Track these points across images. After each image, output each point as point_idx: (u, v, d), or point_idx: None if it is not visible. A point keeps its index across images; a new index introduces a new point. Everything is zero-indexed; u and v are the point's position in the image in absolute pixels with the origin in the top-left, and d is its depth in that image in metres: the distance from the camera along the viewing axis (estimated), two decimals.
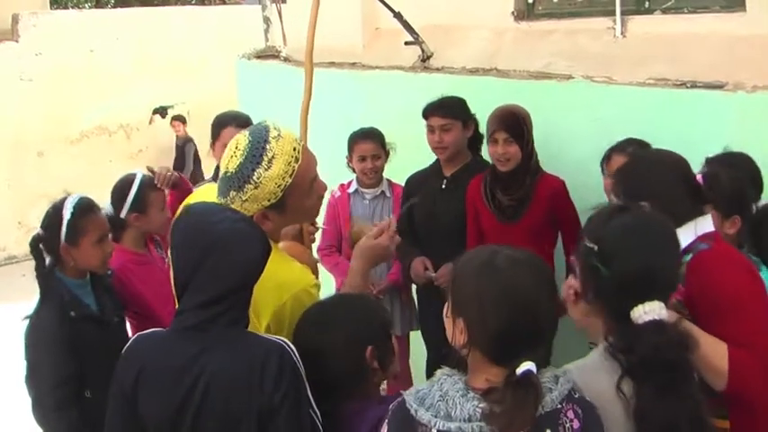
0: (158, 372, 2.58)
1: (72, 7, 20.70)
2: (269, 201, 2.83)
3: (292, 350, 2.56)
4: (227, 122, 4.92)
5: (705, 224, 2.86)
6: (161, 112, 14.64)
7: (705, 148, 3.91)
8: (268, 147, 2.82)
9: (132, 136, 14.49)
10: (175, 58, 14.43)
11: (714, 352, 2.57)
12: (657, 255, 2.47)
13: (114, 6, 21.01)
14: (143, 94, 14.24)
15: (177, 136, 13.95)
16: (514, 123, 4.59)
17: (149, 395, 2.59)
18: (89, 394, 3.75)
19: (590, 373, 2.43)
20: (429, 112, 5.03)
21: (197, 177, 13.08)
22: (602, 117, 4.76)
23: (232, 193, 2.82)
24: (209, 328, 2.55)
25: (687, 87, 4.50)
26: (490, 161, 4.81)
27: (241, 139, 2.87)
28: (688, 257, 2.73)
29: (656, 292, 2.42)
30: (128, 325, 4.35)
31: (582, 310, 2.64)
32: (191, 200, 3.35)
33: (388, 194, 5.61)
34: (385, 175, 5.62)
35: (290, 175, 2.83)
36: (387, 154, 5.51)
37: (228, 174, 2.83)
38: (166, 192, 4.69)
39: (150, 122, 14.64)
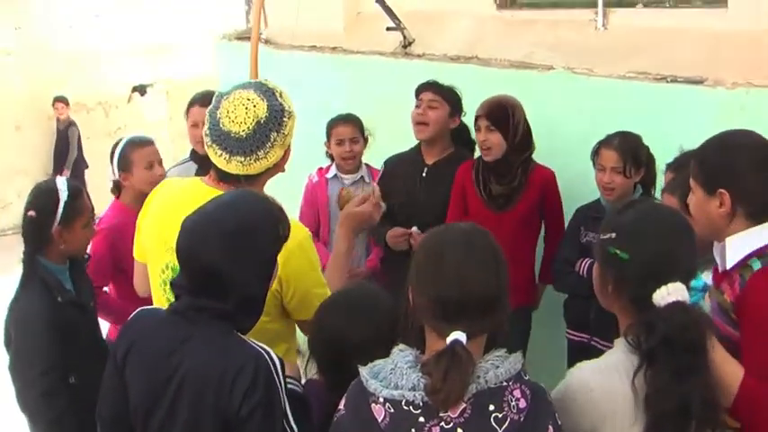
0: (144, 352, 2.56)
1: None
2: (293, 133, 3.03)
3: (273, 361, 2.51)
4: (195, 101, 4.96)
5: None
6: (140, 90, 14.52)
7: (683, 143, 3.93)
8: (266, 84, 3.03)
9: (111, 113, 14.39)
10: (156, 36, 14.30)
11: (729, 375, 2.54)
12: (675, 239, 2.48)
13: None
14: (122, 72, 14.13)
15: (59, 119, 13.34)
16: (497, 112, 4.57)
17: (133, 374, 2.58)
18: (74, 380, 3.71)
19: (604, 372, 2.44)
20: (421, 87, 5.02)
21: (81, 164, 12.89)
22: (582, 108, 4.76)
23: (273, 135, 2.95)
24: (196, 319, 2.52)
25: (667, 82, 4.49)
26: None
27: (247, 95, 2.98)
28: (757, 265, 2.67)
29: (677, 274, 2.41)
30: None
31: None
32: (163, 190, 3.32)
33: (367, 180, 5.54)
34: (364, 160, 5.58)
35: None
36: (365, 140, 5.48)
37: (262, 121, 2.93)
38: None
39: (129, 100, 14.54)
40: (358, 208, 3.43)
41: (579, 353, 4.41)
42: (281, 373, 2.52)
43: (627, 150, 4.23)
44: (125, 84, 14.39)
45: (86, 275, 4.03)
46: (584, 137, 4.51)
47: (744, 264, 2.70)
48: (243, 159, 2.94)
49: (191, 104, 4.96)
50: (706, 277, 3.05)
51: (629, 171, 4.23)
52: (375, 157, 5.55)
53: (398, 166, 5.24)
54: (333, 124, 5.46)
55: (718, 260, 2.85)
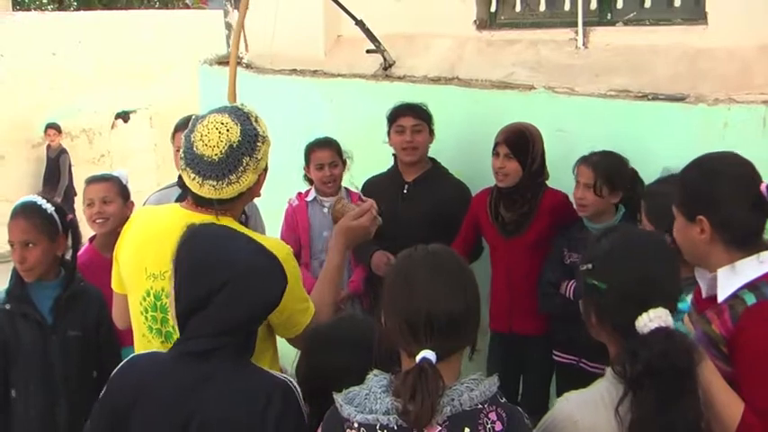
0: (157, 397, 2.47)
1: (34, 9, 20.49)
2: (268, 157, 3.02)
3: (296, 390, 2.51)
4: (180, 127, 4.85)
5: None
6: (123, 116, 14.46)
7: (666, 160, 3.91)
8: (243, 109, 3.02)
9: (94, 141, 14.31)
10: (138, 62, 14.24)
11: (728, 408, 2.50)
12: (653, 264, 2.46)
13: (77, 9, 20.81)
14: (105, 99, 14.05)
15: (50, 146, 13.20)
16: (518, 140, 4.55)
17: (146, 419, 2.48)
18: (15, 395, 3.77)
19: (588, 404, 2.43)
20: (400, 112, 5.04)
21: (71, 192, 12.75)
22: (563, 128, 4.74)
23: (245, 160, 2.92)
24: (212, 357, 2.46)
25: (649, 99, 4.48)
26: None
27: (221, 119, 2.96)
28: (750, 299, 2.61)
29: (658, 300, 2.38)
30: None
31: None
32: (138, 219, 3.28)
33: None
34: (347, 183, 5.54)
35: None
36: (344, 163, 5.46)
37: (235, 145, 2.91)
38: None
39: (113, 127, 14.47)
40: (354, 222, 3.40)
41: (568, 375, 4.40)
42: (303, 402, 2.52)
43: (602, 169, 4.24)
44: (108, 110, 14.32)
45: (81, 303, 3.97)
46: (566, 156, 4.50)
47: (734, 295, 2.65)
48: (215, 183, 2.92)
49: (176, 130, 4.92)
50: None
51: (599, 189, 4.23)
52: (357, 179, 5.51)
53: (378, 187, 5.24)
54: (311, 149, 5.43)
55: (702, 285, 2.82)
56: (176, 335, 2.77)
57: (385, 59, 6.01)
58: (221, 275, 2.46)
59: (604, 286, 2.45)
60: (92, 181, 4.64)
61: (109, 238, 4.41)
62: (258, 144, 2.96)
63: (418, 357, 2.18)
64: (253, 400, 2.42)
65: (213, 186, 2.92)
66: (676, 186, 2.85)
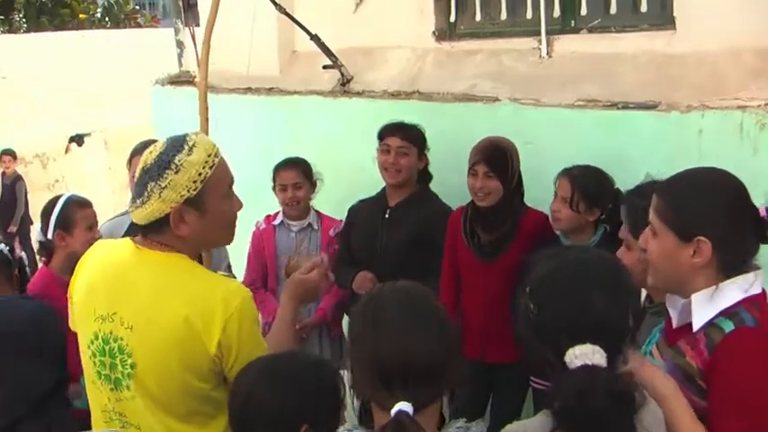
0: None
1: None
2: (188, 191, 2.72)
3: None
4: (136, 152, 4.66)
5: (757, 281, 2.49)
6: (78, 140, 14.25)
7: (640, 171, 3.75)
8: (188, 138, 2.79)
9: (48, 166, 14.10)
10: (91, 83, 14.06)
11: None
12: (590, 295, 2.23)
13: (27, 31, 20.56)
14: (59, 122, 13.89)
15: (5, 173, 12.97)
16: (497, 156, 4.36)
17: None
18: None
19: None
20: (387, 131, 4.84)
21: (27, 221, 12.58)
22: (531, 140, 4.60)
23: (150, 185, 2.71)
24: None
25: (619, 108, 4.36)
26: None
27: (159, 143, 2.82)
28: (728, 326, 2.42)
29: (590, 334, 2.16)
30: None
31: None
32: (94, 253, 3.06)
33: (315, 227, 5.34)
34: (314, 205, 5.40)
35: (210, 167, 2.76)
36: (313, 184, 5.27)
37: (146, 167, 2.75)
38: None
39: (67, 151, 14.25)
40: (305, 275, 3.21)
41: (544, 399, 4.22)
42: None
43: (579, 183, 4.10)
44: (62, 134, 14.11)
45: None
46: (536, 170, 4.40)
47: (711, 323, 2.46)
48: (131, 205, 2.80)
49: (132, 155, 4.74)
50: None
51: (575, 204, 4.10)
52: (318, 198, 5.37)
53: (362, 212, 5.08)
54: (277, 169, 5.27)
55: (673, 314, 2.63)
56: (126, 381, 2.69)
57: (342, 75, 5.85)
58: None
59: (536, 311, 2.27)
60: (84, 205, 4.45)
61: (69, 260, 4.22)
62: (166, 171, 2.70)
63: (393, 410, 1.97)
64: None
65: (132, 208, 2.80)
66: (661, 202, 2.59)
